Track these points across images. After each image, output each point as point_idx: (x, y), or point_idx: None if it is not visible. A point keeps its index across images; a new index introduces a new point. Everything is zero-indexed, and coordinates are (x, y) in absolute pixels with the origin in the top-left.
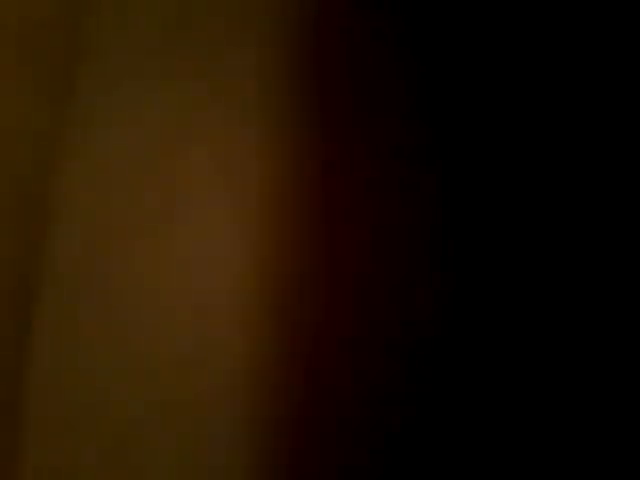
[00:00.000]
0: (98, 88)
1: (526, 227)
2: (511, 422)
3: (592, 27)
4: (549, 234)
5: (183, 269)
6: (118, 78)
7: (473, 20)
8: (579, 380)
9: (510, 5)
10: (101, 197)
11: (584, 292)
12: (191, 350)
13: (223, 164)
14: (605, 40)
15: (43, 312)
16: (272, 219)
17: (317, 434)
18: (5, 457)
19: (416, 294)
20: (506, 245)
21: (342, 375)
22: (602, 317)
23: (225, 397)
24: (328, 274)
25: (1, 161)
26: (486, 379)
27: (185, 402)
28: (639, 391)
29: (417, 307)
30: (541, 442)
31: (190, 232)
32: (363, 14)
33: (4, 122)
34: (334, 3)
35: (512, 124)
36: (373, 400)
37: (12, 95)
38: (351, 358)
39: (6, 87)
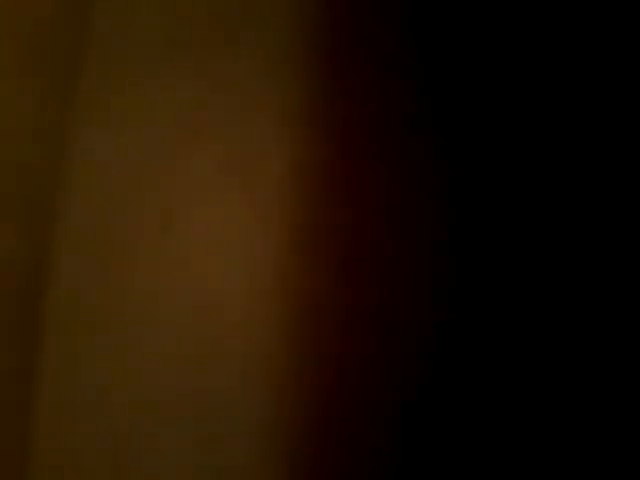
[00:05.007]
0: (99, 88)
1: (528, 228)
2: (514, 419)
3: (592, 27)
4: (551, 234)
5: (185, 269)
6: (119, 78)
7: (483, 19)
8: (579, 379)
9: (512, 6)
10: (103, 197)
11: (584, 292)
12: (202, 350)
13: (224, 164)
14: (605, 40)
15: (46, 312)
16: (278, 218)
17: (331, 435)
18: (15, 456)
19: (428, 292)
20: (509, 245)
21: (359, 375)
22: (602, 317)
23: (238, 397)
24: (346, 273)
25: (2, 161)
26: (489, 377)
27: (193, 402)
28: (639, 391)
29: (431, 305)
30: (541, 441)
31: (190, 232)
32: (368, 16)
33: (5, 122)
34: (336, 7)
35: (515, 126)
36: (391, 398)
37: (13, 95)
38: (370, 356)
39: (7, 87)
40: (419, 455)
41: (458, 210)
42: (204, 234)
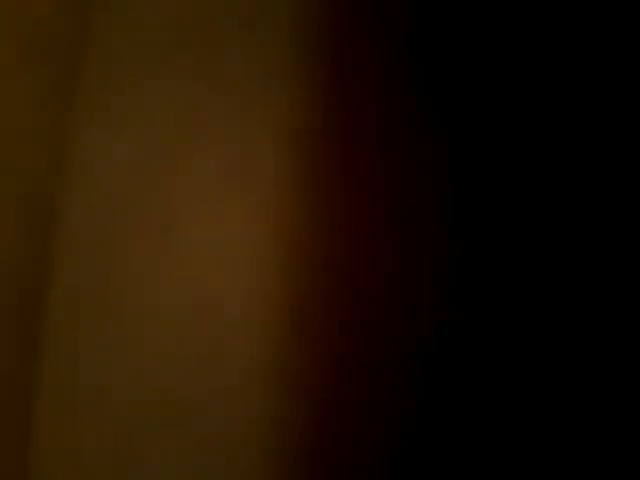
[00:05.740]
0: (99, 88)
1: (531, 229)
2: (513, 421)
3: (592, 27)
4: (554, 235)
5: (185, 269)
6: (119, 78)
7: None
8: (579, 380)
9: (516, 6)
10: (103, 197)
11: (585, 294)
12: (202, 350)
13: (224, 164)
14: (605, 40)
15: (46, 312)
16: (277, 218)
17: (331, 435)
18: (15, 456)
19: (429, 292)
20: (511, 246)
21: (359, 375)
22: (603, 317)
23: (237, 397)
24: (346, 273)
25: (2, 161)
26: (490, 377)
27: (193, 402)
28: (639, 391)
29: (431, 305)
30: (542, 441)
31: (190, 232)
32: (367, 17)
33: (5, 122)
34: (338, 6)
35: (518, 126)
36: (391, 398)
37: (13, 95)
38: (370, 357)
39: (7, 87)
40: (419, 455)
41: (460, 210)
42: (204, 234)
